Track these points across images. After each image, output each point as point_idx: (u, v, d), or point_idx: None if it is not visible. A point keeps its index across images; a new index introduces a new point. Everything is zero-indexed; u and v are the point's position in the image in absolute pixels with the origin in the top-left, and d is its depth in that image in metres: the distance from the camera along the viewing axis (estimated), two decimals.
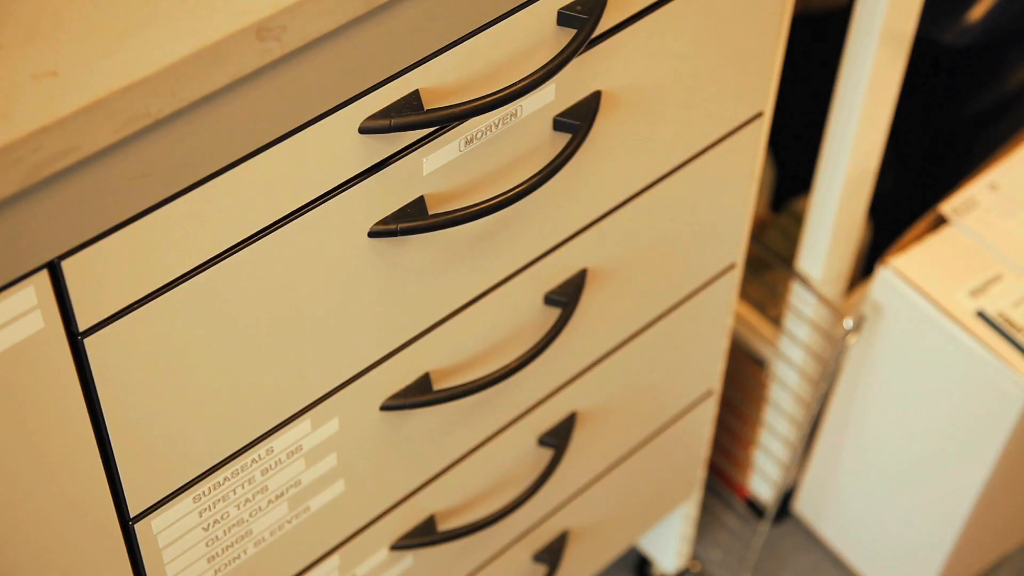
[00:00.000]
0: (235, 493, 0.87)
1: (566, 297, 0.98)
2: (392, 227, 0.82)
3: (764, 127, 1.05)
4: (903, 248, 1.31)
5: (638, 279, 1.05)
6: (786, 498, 1.58)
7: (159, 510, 0.84)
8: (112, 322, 0.73)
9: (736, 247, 1.13)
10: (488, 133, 0.84)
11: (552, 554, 1.21)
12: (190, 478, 0.84)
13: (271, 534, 0.92)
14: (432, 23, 0.76)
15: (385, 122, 0.77)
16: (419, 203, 0.83)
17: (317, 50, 0.71)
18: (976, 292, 1.28)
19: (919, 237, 1.32)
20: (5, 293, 0.67)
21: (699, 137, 1.00)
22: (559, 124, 0.88)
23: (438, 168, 0.83)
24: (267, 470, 0.88)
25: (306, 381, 0.86)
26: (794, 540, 1.59)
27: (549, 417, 1.08)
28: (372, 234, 0.82)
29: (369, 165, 0.79)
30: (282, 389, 0.85)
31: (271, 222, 0.77)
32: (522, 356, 0.95)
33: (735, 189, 1.08)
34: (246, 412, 0.84)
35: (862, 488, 1.48)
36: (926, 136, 1.49)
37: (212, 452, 0.84)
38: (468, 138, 0.83)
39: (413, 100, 0.78)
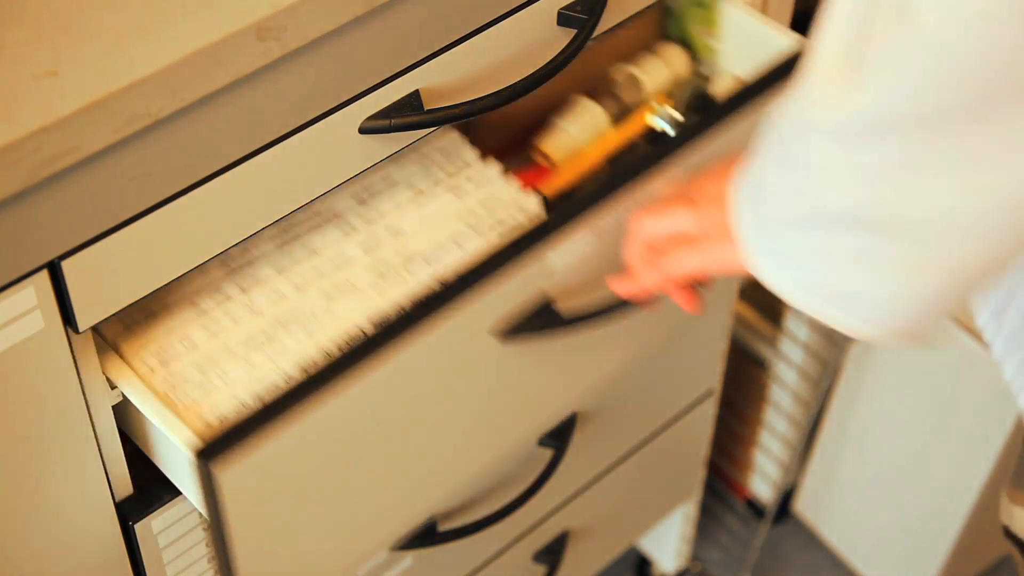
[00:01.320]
0: None
1: None
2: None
3: None
4: None
5: None
6: (786, 498, 1.58)
7: (159, 510, 0.84)
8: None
9: None
10: None
11: (552, 554, 1.21)
12: None
13: None
14: (432, 23, 0.76)
15: (385, 122, 0.77)
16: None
17: (317, 50, 0.71)
18: None
19: None
20: (5, 293, 0.67)
21: None
22: None
23: None
24: None
25: None
26: (794, 540, 1.59)
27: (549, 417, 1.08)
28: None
29: (369, 165, 0.79)
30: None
31: (271, 222, 0.77)
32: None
33: None
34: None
35: (862, 488, 1.48)
36: None
37: None
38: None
39: (413, 100, 0.78)
